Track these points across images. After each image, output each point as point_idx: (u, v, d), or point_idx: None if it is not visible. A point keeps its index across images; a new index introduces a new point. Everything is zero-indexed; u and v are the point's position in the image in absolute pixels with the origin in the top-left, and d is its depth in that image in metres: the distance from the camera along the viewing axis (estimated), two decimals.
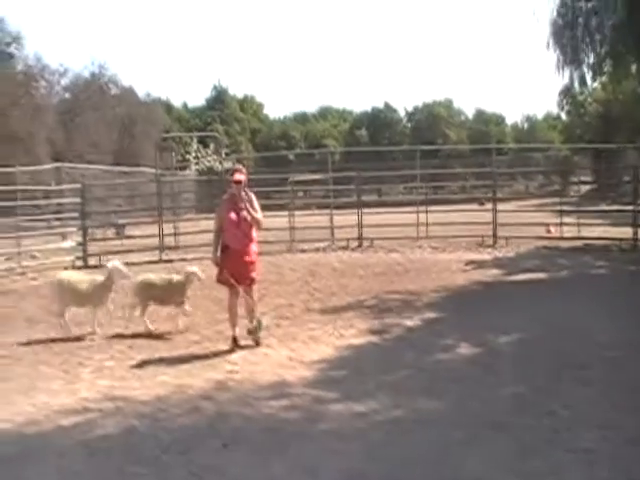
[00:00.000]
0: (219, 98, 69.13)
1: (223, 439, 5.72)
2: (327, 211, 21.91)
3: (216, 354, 8.59)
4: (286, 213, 21.11)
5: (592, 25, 17.96)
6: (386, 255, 17.92)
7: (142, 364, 8.22)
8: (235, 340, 8.89)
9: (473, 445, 5.46)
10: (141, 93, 49.23)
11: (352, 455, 5.35)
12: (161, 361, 8.34)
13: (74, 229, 19.93)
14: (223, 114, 66.69)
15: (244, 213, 8.86)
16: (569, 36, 18.15)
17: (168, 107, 64.35)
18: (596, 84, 22.64)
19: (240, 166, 9.47)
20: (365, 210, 20.75)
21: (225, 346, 8.89)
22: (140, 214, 25.36)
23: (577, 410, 6.12)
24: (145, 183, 26.45)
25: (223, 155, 35.32)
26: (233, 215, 8.86)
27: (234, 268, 8.85)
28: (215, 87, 70.56)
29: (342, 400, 6.65)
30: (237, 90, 77.30)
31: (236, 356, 8.43)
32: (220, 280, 9.08)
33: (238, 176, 8.88)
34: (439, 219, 20.43)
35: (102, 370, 8.02)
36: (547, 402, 6.35)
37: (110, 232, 24.39)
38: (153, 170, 25.32)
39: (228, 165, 32.78)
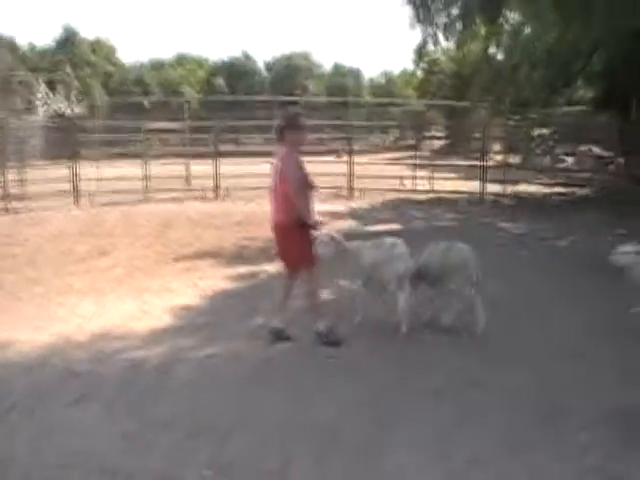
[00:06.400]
0: (69, 39, 65.33)
1: (74, 395, 5.52)
2: (183, 160, 21.44)
3: (64, 307, 8.24)
4: (141, 162, 20.48)
5: None
6: (243, 206, 17.80)
7: None
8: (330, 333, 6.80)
9: (326, 392, 5.58)
10: None
11: (207, 407, 5.32)
12: (4, 315, 7.89)
13: None
14: (73, 56, 63.26)
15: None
16: None
17: (12, 46, 60.26)
18: (450, 43, 23.38)
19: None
20: (222, 160, 20.49)
21: (75, 299, 8.55)
22: None
23: (426, 354, 6.39)
24: None
25: (73, 99, 33.69)
26: (307, 175, 6.72)
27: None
28: (64, 27, 66.66)
29: (197, 351, 6.58)
30: (88, 32, 73.12)
31: (87, 309, 8.10)
32: (312, 260, 6.81)
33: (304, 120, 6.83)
34: None
35: None
36: (399, 347, 6.57)
37: None
38: None
39: (79, 110, 31.40)
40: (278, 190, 6.64)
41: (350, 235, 8.93)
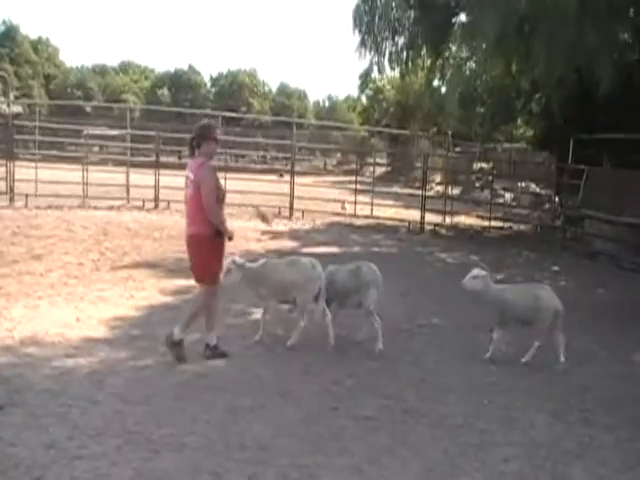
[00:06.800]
0: (9, 35, 63.66)
1: None
2: (124, 169, 21.10)
3: None
4: (80, 167, 20.07)
5: (392, 15, 18.65)
6: (182, 218, 17.53)
7: None
8: (215, 347, 6.81)
9: (260, 412, 5.54)
10: None
11: (138, 419, 5.22)
12: None
13: None
14: (13, 53, 61.70)
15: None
16: (369, 22, 18.72)
17: None
18: (395, 72, 23.80)
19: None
20: (163, 171, 20.23)
21: (5, 302, 8.29)
22: None
23: (361, 381, 6.40)
24: None
25: (12, 97, 32.85)
26: (220, 186, 6.76)
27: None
28: (5, 22, 64.96)
29: (129, 362, 6.48)
30: (30, 30, 71.72)
31: (17, 313, 7.88)
32: (215, 278, 6.78)
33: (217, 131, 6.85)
34: (238, 187, 20.43)
35: None
36: (333, 372, 6.58)
37: None
38: None
39: (17, 109, 30.58)
40: (191, 201, 6.57)
41: (285, 254, 8.97)
